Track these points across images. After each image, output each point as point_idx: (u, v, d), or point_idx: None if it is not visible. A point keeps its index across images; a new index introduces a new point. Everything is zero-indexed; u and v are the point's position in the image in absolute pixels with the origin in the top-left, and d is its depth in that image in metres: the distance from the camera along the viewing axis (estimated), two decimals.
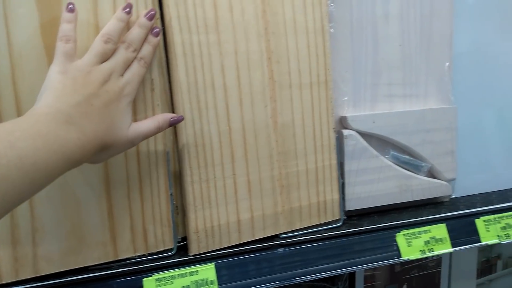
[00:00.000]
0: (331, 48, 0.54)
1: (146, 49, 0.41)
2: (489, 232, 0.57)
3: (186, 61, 0.44)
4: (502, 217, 0.58)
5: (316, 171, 0.52)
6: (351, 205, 0.56)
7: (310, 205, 0.52)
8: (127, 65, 0.40)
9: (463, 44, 0.63)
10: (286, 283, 0.48)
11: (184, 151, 0.44)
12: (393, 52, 0.58)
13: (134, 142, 0.39)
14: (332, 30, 0.54)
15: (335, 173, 0.54)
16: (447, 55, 0.60)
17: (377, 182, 0.57)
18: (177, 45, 0.43)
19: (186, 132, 0.44)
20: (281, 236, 0.51)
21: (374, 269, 0.76)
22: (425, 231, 0.55)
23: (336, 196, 0.54)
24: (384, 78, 0.58)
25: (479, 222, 0.57)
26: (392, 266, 0.78)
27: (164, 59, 0.45)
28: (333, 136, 0.53)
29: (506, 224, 0.58)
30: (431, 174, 0.61)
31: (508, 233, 0.57)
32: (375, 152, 0.57)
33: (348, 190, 0.56)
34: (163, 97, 0.45)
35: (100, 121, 0.36)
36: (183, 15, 0.44)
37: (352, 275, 0.75)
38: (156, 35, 0.42)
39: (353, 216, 0.57)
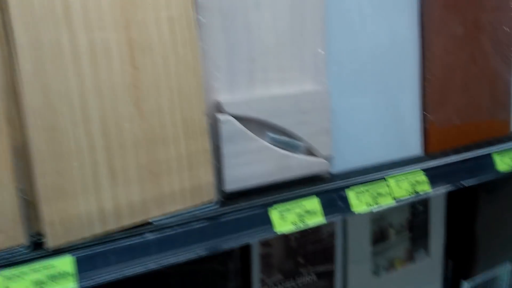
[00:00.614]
0: (204, 37, 0.54)
1: None
2: (360, 201, 0.61)
3: (32, 52, 0.42)
4: (372, 187, 0.63)
5: (189, 156, 0.53)
6: (231, 187, 0.58)
7: (183, 190, 0.53)
8: None
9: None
10: (157, 268, 0.48)
11: (33, 143, 0.42)
12: (267, 38, 0.59)
13: None
14: (203, 20, 0.54)
15: (208, 157, 0.54)
16: (319, 40, 0.63)
17: (257, 163, 0.59)
18: (20, 36, 0.41)
19: (36, 123, 0.42)
20: (153, 222, 0.51)
21: (269, 246, 0.79)
22: (298, 205, 0.58)
23: (210, 178, 0.55)
24: (259, 63, 0.59)
25: (351, 193, 0.61)
26: (287, 241, 0.81)
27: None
28: (205, 121, 0.54)
29: (377, 193, 0.63)
30: (310, 152, 0.64)
31: (377, 201, 0.62)
32: (252, 135, 0.58)
33: (227, 172, 0.57)
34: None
35: None
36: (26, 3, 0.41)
37: (247, 254, 0.77)
38: None
39: (234, 198, 0.59)
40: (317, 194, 0.59)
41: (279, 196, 0.58)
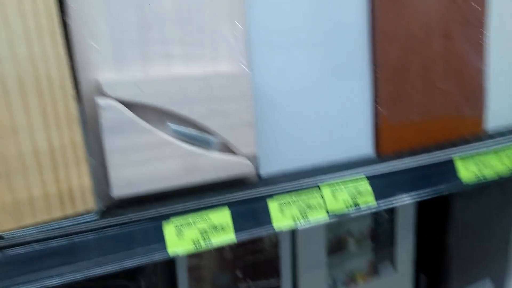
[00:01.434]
0: None
1: None
2: (284, 215, 0.50)
3: None
4: (301, 197, 0.51)
5: (52, 152, 0.41)
6: (119, 191, 0.46)
7: (46, 195, 0.41)
8: None
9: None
10: None
11: None
12: (165, 3, 0.48)
13: None
14: None
15: (81, 153, 0.43)
16: (237, 11, 0.51)
17: (154, 162, 0.47)
18: None
19: None
20: (5, 236, 0.40)
21: (199, 257, 0.67)
22: (203, 219, 0.46)
23: (86, 181, 0.43)
24: (156, 33, 0.48)
25: (273, 204, 0.49)
26: (221, 252, 0.70)
27: None
28: (72, 105, 0.42)
29: (306, 205, 0.52)
30: (228, 150, 0.52)
31: (307, 215, 0.51)
32: (146, 126, 0.47)
33: (113, 173, 0.45)
34: None
35: None
36: None
37: (171, 266, 0.66)
38: None
39: (123, 205, 0.47)
40: (230, 205, 0.47)
41: (179, 206, 0.46)
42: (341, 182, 0.54)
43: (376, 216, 0.90)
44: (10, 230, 0.40)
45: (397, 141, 0.64)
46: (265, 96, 0.56)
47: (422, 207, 0.94)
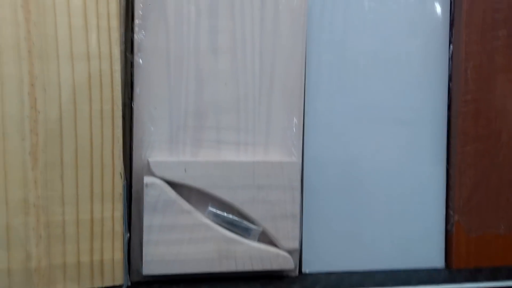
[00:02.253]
0: (139, 81, 0.46)
1: None
2: None
3: None
4: None
5: (92, 223, 0.43)
6: (150, 269, 0.45)
7: (79, 264, 0.42)
8: None
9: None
10: None
11: None
12: (223, 92, 0.49)
13: None
14: (140, 61, 0.47)
15: (119, 228, 0.44)
16: (295, 102, 0.51)
17: (188, 244, 0.46)
18: None
19: None
20: None
21: None
22: None
23: (119, 255, 0.43)
24: (211, 120, 0.49)
25: None
26: None
27: None
28: (119, 182, 0.44)
29: None
30: (269, 241, 0.49)
31: None
32: (186, 206, 0.46)
33: (147, 249, 0.45)
34: None
35: None
36: None
37: None
38: None
39: (154, 283, 0.46)
40: None
41: None
42: None
43: None
44: None
45: (474, 256, 0.54)
46: (321, 188, 0.53)
47: None
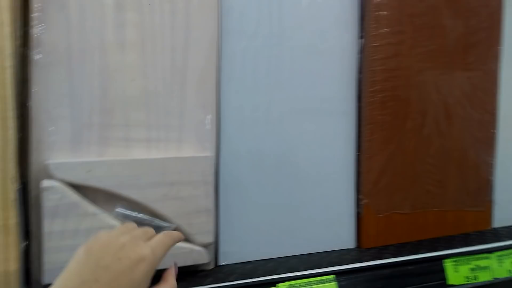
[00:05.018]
0: (37, 78, 0.41)
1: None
2: None
3: None
4: None
5: None
6: (51, 278, 0.41)
7: None
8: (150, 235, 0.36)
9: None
10: None
11: None
12: (131, 87, 0.45)
13: None
14: (38, 57, 0.41)
15: (13, 237, 0.39)
16: (209, 97, 0.48)
17: None
18: None
19: None
20: None
21: None
22: None
23: (13, 266, 0.39)
24: (118, 118, 0.45)
25: None
26: None
27: None
28: (11, 188, 0.39)
29: None
30: (186, 237, 0.47)
31: None
32: (91, 209, 0.43)
33: (49, 257, 0.41)
34: None
35: None
36: None
37: None
38: None
39: None
40: None
41: None
42: (304, 282, 0.46)
43: None
44: None
45: (383, 235, 0.56)
46: (238, 181, 0.51)
47: None
